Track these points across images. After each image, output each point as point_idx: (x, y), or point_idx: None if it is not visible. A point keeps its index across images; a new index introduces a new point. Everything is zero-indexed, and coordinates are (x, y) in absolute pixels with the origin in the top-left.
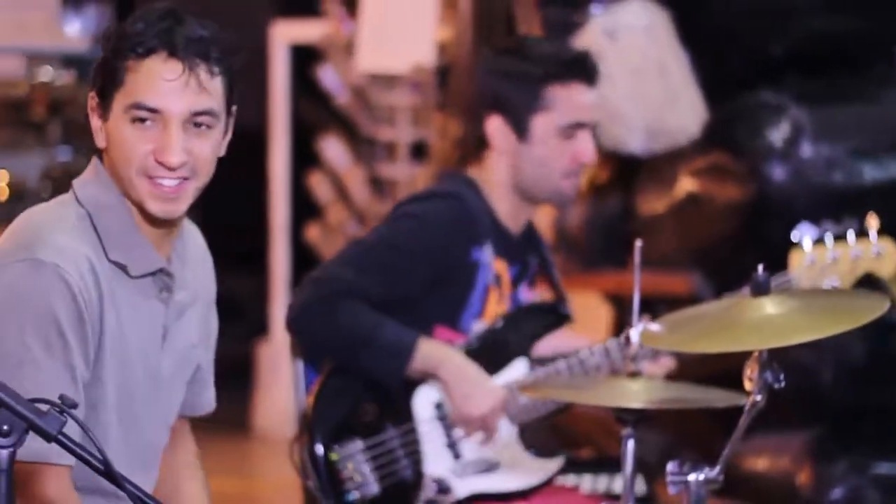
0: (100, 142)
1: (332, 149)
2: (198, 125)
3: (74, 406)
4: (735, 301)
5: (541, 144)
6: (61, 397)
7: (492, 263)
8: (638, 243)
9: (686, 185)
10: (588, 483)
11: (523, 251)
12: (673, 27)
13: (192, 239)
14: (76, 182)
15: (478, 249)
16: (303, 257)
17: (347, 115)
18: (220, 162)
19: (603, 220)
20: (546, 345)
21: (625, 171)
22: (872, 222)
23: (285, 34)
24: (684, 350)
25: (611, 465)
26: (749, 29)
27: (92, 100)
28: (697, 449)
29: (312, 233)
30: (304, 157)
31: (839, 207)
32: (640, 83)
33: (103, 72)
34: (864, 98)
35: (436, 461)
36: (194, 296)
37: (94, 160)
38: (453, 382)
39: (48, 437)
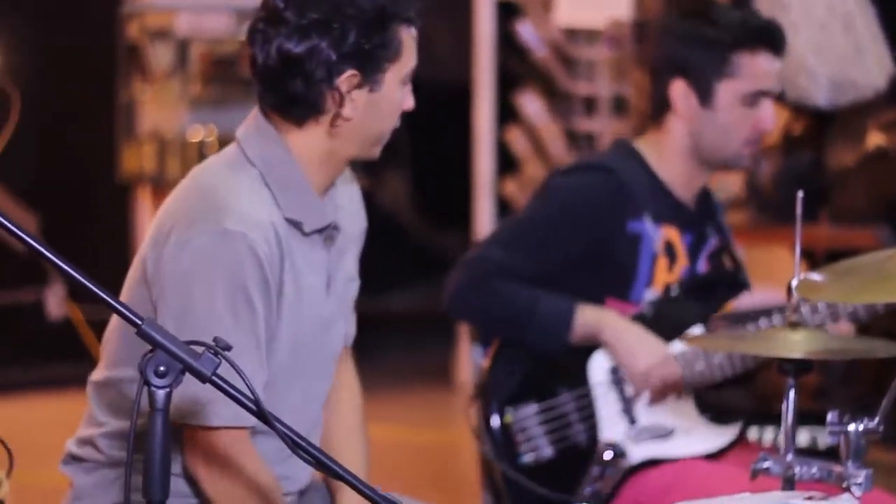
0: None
1: (530, 104)
2: None
3: (228, 349)
4: (894, 252)
5: (723, 111)
6: (215, 339)
7: (656, 232)
8: (799, 194)
9: (875, 138)
10: (770, 436)
11: (698, 219)
12: None
13: (341, 180)
14: (242, 138)
15: (635, 221)
16: (506, 212)
17: (545, 69)
18: (428, 117)
19: (793, 173)
20: (740, 301)
21: (815, 125)
22: None
23: None
24: (844, 301)
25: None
26: None
27: (353, 77)
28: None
29: (510, 188)
30: (508, 113)
31: None
32: (825, 36)
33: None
34: None
35: (611, 426)
36: (349, 237)
37: (256, 111)
38: (616, 342)
39: (203, 378)
